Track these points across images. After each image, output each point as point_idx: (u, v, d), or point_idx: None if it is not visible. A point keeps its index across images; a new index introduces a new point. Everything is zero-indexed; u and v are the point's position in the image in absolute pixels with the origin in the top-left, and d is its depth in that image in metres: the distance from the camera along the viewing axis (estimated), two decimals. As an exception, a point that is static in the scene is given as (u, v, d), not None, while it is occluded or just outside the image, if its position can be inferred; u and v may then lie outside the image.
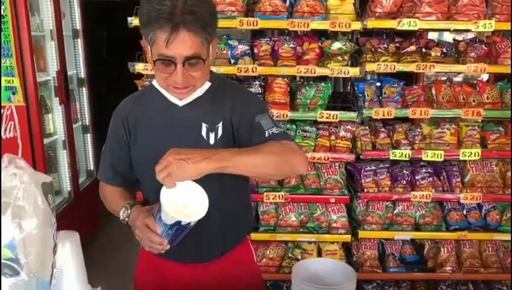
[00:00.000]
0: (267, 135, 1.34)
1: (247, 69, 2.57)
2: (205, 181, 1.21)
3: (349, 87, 3.21)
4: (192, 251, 1.43)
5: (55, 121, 3.70)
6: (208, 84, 1.37)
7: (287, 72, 2.64)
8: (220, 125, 1.39)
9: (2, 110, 3.11)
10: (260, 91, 2.74)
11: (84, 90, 4.22)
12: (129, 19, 2.57)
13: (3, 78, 3.06)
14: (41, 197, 0.74)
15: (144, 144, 1.44)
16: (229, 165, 1.20)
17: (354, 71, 2.62)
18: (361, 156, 2.76)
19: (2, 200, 0.69)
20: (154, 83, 1.39)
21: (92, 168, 4.33)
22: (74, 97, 4.08)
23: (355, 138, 2.89)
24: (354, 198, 2.91)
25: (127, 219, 1.34)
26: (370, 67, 2.64)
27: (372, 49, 2.75)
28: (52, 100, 3.67)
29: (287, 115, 2.66)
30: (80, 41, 4.10)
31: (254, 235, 2.88)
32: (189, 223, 1.14)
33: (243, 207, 1.57)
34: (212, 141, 1.38)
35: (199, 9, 1.20)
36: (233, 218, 1.49)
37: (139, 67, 2.60)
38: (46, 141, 3.44)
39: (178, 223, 1.13)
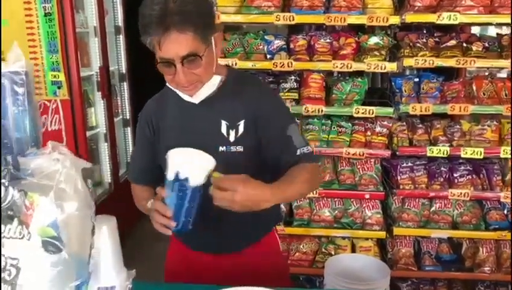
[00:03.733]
0: (298, 153, 1.37)
1: (283, 64, 2.59)
2: (231, 171, 1.24)
3: (387, 83, 3.17)
4: (218, 241, 1.47)
5: (98, 114, 3.83)
6: (218, 78, 1.38)
7: (323, 67, 2.64)
8: (242, 123, 1.39)
9: (49, 104, 3.26)
10: (295, 86, 2.75)
11: (125, 85, 4.35)
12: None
13: (50, 73, 3.19)
14: (81, 182, 0.79)
15: (166, 144, 1.44)
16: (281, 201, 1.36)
17: (391, 66, 2.59)
18: (397, 152, 2.73)
19: (45, 183, 0.74)
20: (168, 84, 1.42)
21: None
22: (115, 92, 4.21)
23: (391, 133, 2.86)
24: (389, 195, 2.88)
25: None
26: (408, 62, 2.60)
27: (411, 44, 2.71)
28: (94, 94, 3.80)
29: (322, 110, 2.66)
30: (121, 38, 4.23)
31: (288, 229, 2.90)
32: (187, 181, 1.17)
33: None
34: (232, 138, 1.39)
35: (186, 8, 1.22)
36: (257, 214, 1.41)
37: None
38: (88, 133, 3.56)
39: (177, 179, 1.18)
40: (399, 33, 2.78)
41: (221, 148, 1.38)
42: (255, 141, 1.39)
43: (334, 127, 2.81)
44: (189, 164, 1.20)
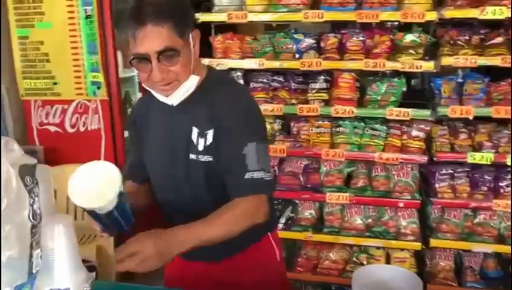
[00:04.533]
0: (246, 177, 1.23)
1: (311, 63, 2.49)
2: (202, 181, 1.29)
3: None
4: (205, 249, 1.27)
5: (139, 115, 3.90)
6: (195, 79, 1.28)
7: (354, 66, 2.52)
8: (211, 132, 1.30)
9: (89, 104, 3.35)
10: (325, 86, 2.64)
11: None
12: (196, 15, 2.62)
13: (90, 74, 3.29)
14: (16, 179, 0.76)
15: (147, 144, 1.44)
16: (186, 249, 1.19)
17: (428, 65, 2.41)
18: (434, 158, 2.54)
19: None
20: (144, 85, 1.33)
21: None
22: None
23: (431, 138, 2.67)
24: (427, 203, 2.69)
25: None
26: (446, 61, 2.42)
27: (451, 42, 2.51)
28: (136, 95, 3.88)
29: (352, 112, 2.54)
30: (165, 40, 4.29)
31: (317, 236, 2.80)
32: (97, 210, 1.08)
33: None
34: (201, 147, 1.31)
35: (164, 3, 1.18)
36: None
37: (205, 62, 2.64)
38: (127, 133, 3.63)
39: (86, 210, 1.10)
40: (439, 30, 2.59)
41: (192, 156, 1.32)
42: (222, 151, 1.31)
43: (367, 130, 2.67)
44: (92, 198, 1.07)
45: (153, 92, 1.31)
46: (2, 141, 0.82)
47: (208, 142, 1.30)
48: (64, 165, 3.18)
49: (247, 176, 1.24)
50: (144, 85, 1.31)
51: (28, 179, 0.77)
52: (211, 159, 1.30)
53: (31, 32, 3.22)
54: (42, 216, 0.88)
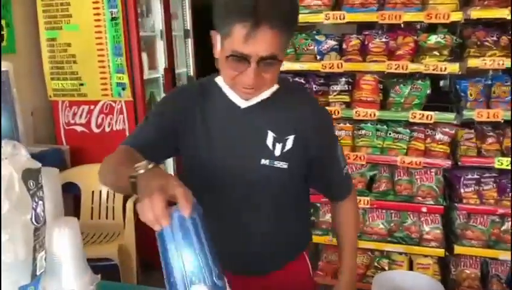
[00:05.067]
0: (344, 177, 1.38)
1: (332, 65, 2.46)
2: (272, 188, 1.23)
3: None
4: (244, 262, 1.33)
5: (163, 115, 3.94)
6: (276, 87, 1.22)
7: (376, 68, 2.47)
8: (291, 138, 1.25)
9: (114, 104, 3.41)
10: (347, 88, 2.60)
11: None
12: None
13: (115, 75, 3.34)
14: (18, 183, 0.77)
15: (203, 145, 1.28)
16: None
17: (453, 67, 2.35)
18: (459, 163, 2.47)
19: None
20: (218, 79, 1.25)
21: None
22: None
23: (456, 142, 2.60)
24: (451, 209, 2.62)
25: (150, 166, 0.96)
26: (473, 62, 2.34)
27: (478, 43, 2.44)
28: (161, 96, 3.92)
29: (374, 114, 2.49)
30: (190, 41, 4.33)
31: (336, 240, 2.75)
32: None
33: (300, 224, 1.44)
34: (277, 152, 1.24)
35: (284, 6, 1.09)
36: (288, 236, 1.37)
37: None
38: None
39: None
40: (466, 30, 2.51)
41: (263, 161, 1.24)
42: (301, 159, 1.27)
43: (390, 133, 2.62)
44: None
45: (226, 89, 1.22)
46: (9, 145, 0.83)
47: (286, 148, 1.25)
48: (89, 165, 3.26)
49: (344, 176, 1.36)
50: (224, 82, 1.21)
51: (31, 183, 0.79)
52: (285, 166, 1.24)
53: (59, 34, 3.30)
54: (48, 219, 0.89)
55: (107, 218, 3.20)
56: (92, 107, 3.41)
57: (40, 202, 0.82)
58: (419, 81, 2.57)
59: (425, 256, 2.69)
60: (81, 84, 3.38)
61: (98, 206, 3.21)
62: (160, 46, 3.84)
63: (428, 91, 2.58)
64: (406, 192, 2.63)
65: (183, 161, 1.35)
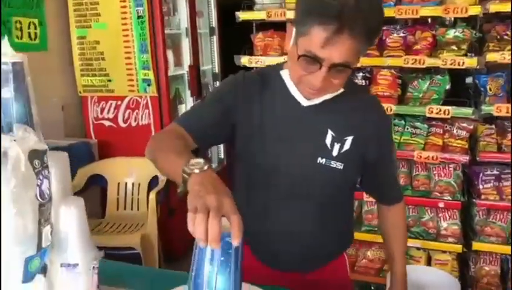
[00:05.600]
0: (397, 182, 1.49)
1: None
2: (325, 187, 1.25)
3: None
4: (288, 259, 1.34)
5: (188, 111, 4.04)
6: (341, 90, 1.20)
7: (392, 63, 2.47)
8: (350, 139, 1.24)
9: (140, 100, 3.53)
10: (364, 83, 2.62)
11: (218, 84, 4.53)
12: (237, 13, 2.69)
13: (141, 71, 3.46)
14: (25, 162, 0.85)
15: (258, 138, 1.25)
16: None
17: (471, 62, 2.32)
18: (477, 158, 2.44)
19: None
20: (284, 73, 1.23)
21: (222, 156, 4.62)
22: (208, 91, 4.40)
23: (476, 137, 2.57)
24: (470, 205, 2.59)
25: (205, 167, 0.93)
26: (492, 57, 2.32)
27: (498, 37, 2.40)
28: (186, 92, 4.02)
29: (391, 109, 2.49)
30: (215, 38, 4.41)
31: (355, 234, 2.77)
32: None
33: (345, 225, 1.44)
34: (335, 152, 1.23)
35: (370, 14, 1.04)
36: (333, 235, 1.37)
37: (244, 60, 2.70)
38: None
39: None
40: (485, 25, 2.48)
41: (319, 160, 1.23)
42: (357, 160, 1.26)
43: (407, 128, 2.62)
44: None
45: (290, 84, 1.21)
46: (20, 129, 0.92)
47: (344, 149, 1.24)
48: (116, 158, 3.39)
49: (397, 181, 1.45)
50: (290, 77, 1.20)
51: (37, 163, 0.86)
52: (341, 166, 1.23)
53: (88, 33, 3.44)
54: (56, 198, 0.97)
55: (132, 209, 3.32)
56: (119, 102, 3.54)
57: (45, 180, 0.90)
58: (439, 76, 2.56)
59: (444, 252, 2.67)
60: (109, 81, 3.51)
61: (124, 197, 3.33)
62: (185, 44, 3.94)
63: (448, 86, 2.57)
64: (423, 187, 2.62)
65: (235, 151, 1.32)
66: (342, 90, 1.19)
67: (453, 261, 2.66)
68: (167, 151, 1.08)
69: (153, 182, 3.22)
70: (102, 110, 3.59)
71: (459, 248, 2.54)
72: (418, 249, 2.73)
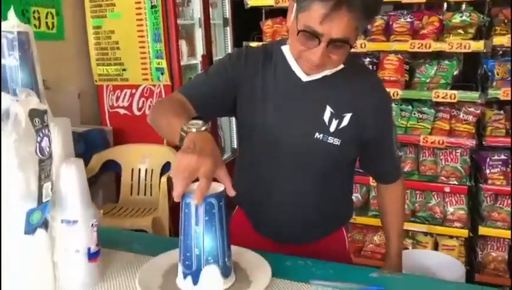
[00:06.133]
0: (397, 161, 1.43)
1: (355, 45, 2.49)
2: (323, 162, 1.26)
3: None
4: (288, 230, 1.37)
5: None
6: (341, 67, 1.20)
7: (399, 48, 2.49)
8: (348, 116, 1.24)
9: (153, 88, 3.60)
10: (371, 68, 2.63)
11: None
12: (245, 0, 2.73)
13: (155, 60, 3.53)
14: (25, 119, 0.92)
15: (259, 111, 1.27)
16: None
17: (477, 45, 2.32)
18: (484, 143, 2.44)
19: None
20: (284, 48, 1.24)
21: (235, 146, 4.68)
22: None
23: (485, 122, 2.57)
24: (478, 190, 2.59)
25: (203, 128, 1.00)
26: (498, 40, 2.32)
27: (506, 21, 2.40)
28: (199, 82, 4.08)
29: (398, 94, 2.51)
30: (228, 29, 4.46)
31: (361, 219, 2.80)
32: None
33: (344, 200, 1.46)
34: (332, 128, 1.24)
35: None
36: (332, 209, 1.40)
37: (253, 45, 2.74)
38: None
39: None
40: (493, 9, 2.47)
41: (317, 135, 1.24)
42: (355, 137, 1.27)
43: (414, 113, 2.63)
44: None
45: (290, 59, 1.22)
46: (23, 92, 0.98)
47: (342, 125, 1.25)
48: (130, 144, 3.48)
49: (396, 159, 1.41)
50: (290, 52, 1.21)
51: (37, 121, 0.93)
52: (338, 143, 1.25)
53: (104, 22, 3.52)
54: (57, 159, 1.04)
55: (145, 194, 3.40)
56: (133, 91, 3.62)
57: (45, 138, 0.97)
58: (446, 62, 2.56)
59: (451, 238, 2.68)
60: (124, 70, 3.60)
61: (137, 183, 3.42)
62: (198, 34, 4.00)
63: (456, 72, 2.57)
64: (430, 172, 2.63)
65: (238, 123, 1.37)
66: (342, 66, 1.20)
67: (460, 247, 2.67)
68: (168, 114, 1.13)
69: (166, 168, 3.29)
70: (117, 98, 3.67)
71: (465, 232, 2.55)
72: (425, 234, 2.74)
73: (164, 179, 3.05)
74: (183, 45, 3.75)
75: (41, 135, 0.96)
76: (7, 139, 0.90)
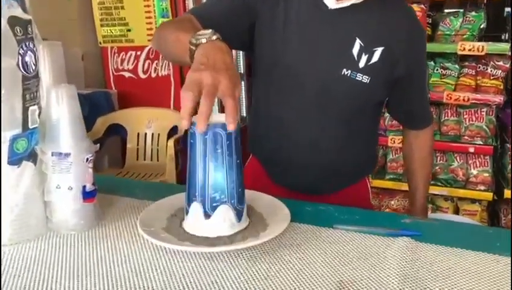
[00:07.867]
0: (427, 101, 1.32)
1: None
2: (351, 100, 1.14)
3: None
4: (307, 181, 1.25)
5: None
6: None
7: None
8: (380, 50, 1.11)
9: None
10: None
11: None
12: None
13: (160, 20, 3.37)
14: (4, 26, 0.78)
15: (279, 45, 1.15)
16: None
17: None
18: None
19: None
20: None
21: (244, 114, 4.54)
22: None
23: (514, 78, 2.40)
24: (503, 153, 2.44)
25: (214, 37, 0.85)
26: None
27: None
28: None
29: (419, 47, 2.34)
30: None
31: (378, 182, 2.67)
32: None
33: (368, 148, 1.34)
34: (362, 64, 1.11)
35: None
36: (355, 157, 1.27)
37: None
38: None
39: None
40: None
41: (344, 71, 1.12)
42: (386, 76, 1.14)
43: (437, 69, 2.46)
44: None
45: None
46: (6, 4, 0.84)
47: (372, 61, 1.11)
48: (136, 108, 3.35)
49: (427, 104, 1.31)
50: None
51: (18, 30, 0.80)
52: (367, 80, 1.12)
53: (107, -20, 3.37)
54: (48, 86, 0.91)
55: (151, 159, 3.29)
56: (138, 52, 3.48)
57: (30, 53, 0.83)
58: (473, 13, 2.38)
59: (473, 202, 2.54)
60: (128, 30, 3.44)
61: (144, 148, 3.30)
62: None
63: (483, 25, 2.39)
64: (452, 132, 2.48)
65: (254, 59, 1.23)
66: None
67: (482, 212, 2.53)
68: (175, 31, 0.98)
69: (172, 132, 3.17)
70: (122, 61, 3.53)
71: (489, 195, 2.41)
72: (446, 199, 2.61)
73: (171, 142, 2.93)
74: (189, 2, 3.58)
75: (24, 47, 0.82)
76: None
